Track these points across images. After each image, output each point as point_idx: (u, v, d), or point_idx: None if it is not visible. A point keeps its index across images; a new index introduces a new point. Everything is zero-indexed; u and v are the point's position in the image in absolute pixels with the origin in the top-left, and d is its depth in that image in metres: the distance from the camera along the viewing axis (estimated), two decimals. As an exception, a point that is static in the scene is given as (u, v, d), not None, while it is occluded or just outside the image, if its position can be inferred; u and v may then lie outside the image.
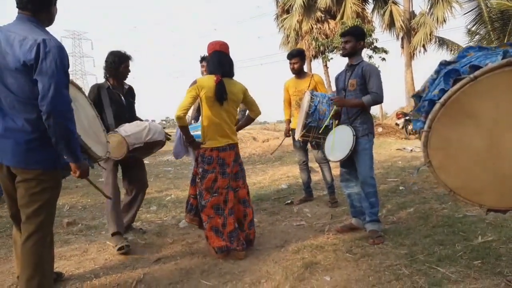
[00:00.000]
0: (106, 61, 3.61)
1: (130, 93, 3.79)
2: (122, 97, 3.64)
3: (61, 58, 2.01)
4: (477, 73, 1.66)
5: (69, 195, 6.08)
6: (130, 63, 3.70)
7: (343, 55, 3.60)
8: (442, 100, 1.74)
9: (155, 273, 2.93)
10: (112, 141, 3.18)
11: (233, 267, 2.99)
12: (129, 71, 3.71)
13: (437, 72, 2.04)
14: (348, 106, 3.52)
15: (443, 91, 1.81)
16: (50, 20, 2.22)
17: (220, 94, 3.12)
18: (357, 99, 3.46)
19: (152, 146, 3.58)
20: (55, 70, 1.96)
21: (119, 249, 3.24)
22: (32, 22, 2.07)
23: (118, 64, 3.57)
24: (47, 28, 2.17)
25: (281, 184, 6.44)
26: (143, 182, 3.82)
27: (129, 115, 3.66)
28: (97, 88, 3.54)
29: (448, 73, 1.88)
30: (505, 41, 12.13)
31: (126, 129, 3.38)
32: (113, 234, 3.36)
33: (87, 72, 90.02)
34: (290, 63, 4.78)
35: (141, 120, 3.85)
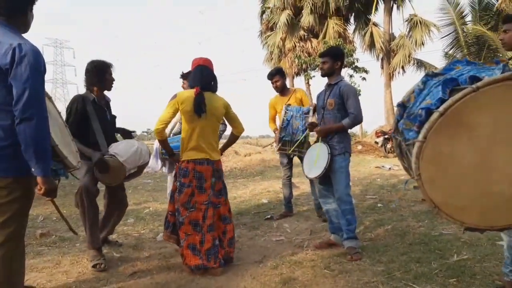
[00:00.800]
0: (87, 70, 3.43)
1: (109, 107, 3.67)
2: (107, 112, 3.53)
3: (37, 62, 1.96)
4: (479, 84, 1.59)
5: (44, 205, 5.90)
6: (112, 71, 3.55)
7: (322, 75, 3.69)
8: (441, 109, 1.64)
9: (130, 287, 2.86)
10: (108, 168, 3.11)
11: (210, 282, 2.94)
12: (113, 79, 3.56)
13: (424, 82, 2.01)
14: (331, 132, 3.53)
15: (441, 100, 1.72)
16: (26, 26, 2.16)
17: (198, 107, 3.08)
18: (337, 123, 3.50)
19: (142, 168, 3.53)
20: (30, 74, 1.91)
21: (94, 266, 3.14)
22: (7, 27, 2.02)
23: (102, 72, 3.43)
24: (25, 35, 2.13)
25: (261, 199, 6.43)
26: (123, 203, 3.72)
27: (112, 131, 3.56)
28: (81, 99, 3.34)
29: (446, 82, 1.80)
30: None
31: (121, 152, 3.22)
32: (90, 248, 3.25)
33: (68, 81, 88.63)
34: (272, 83, 4.87)
35: (127, 130, 3.75)
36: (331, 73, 3.60)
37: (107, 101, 3.61)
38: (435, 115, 1.66)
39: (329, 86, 3.64)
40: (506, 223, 1.81)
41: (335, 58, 3.58)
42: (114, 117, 3.71)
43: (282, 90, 4.90)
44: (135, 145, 3.42)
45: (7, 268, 2.04)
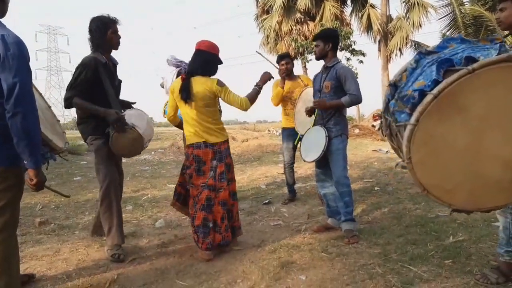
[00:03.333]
0: (90, 30, 3.11)
1: (116, 71, 3.37)
2: (115, 76, 3.27)
3: (22, 53, 1.94)
4: (475, 65, 1.55)
5: (42, 194, 5.89)
6: (118, 28, 3.18)
7: (316, 58, 3.69)
8: (435, 91, 1.60)
9: (129, 274, 2.89)
10: (126, 138, 2.98)
11: (209, 267, 2.97)
12: (119, 37, 3.19)
13: (417, 61, 1.97)
14: (328, 107, 3.52)
15: (435, 82, 1.68)
16: (3, 11, 2.09)
17: (182, 92, 3.13)
18: (336, 100, 3.48)
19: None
20: (18, 67, 1.89)
21: (112, 255, 3.10)
22: None
23: (103, 30, 3.07)
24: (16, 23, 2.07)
25: (259, 184, 6.46)
26: (120, 172, 3.49)
27: (118, 97, 3.35)
28: (94, 61, 3.03)
29: (440, 62, 1.75)
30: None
31: (138, 123, 3.05)
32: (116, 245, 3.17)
33: (62, 68, 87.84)
34: (282, 65, 4.78)
35: (127, 102, 3.51)
36: (323, 55, 3.58)
37: (114, 64, 3.34)
38: (428, 97, 1.63)
39: (325, 68, 3.63)
40: (494, 205, 1.80)
41: (326, 40, 3.55)
42: (120, 81, 3.45)
43: (289, 75, 4.87)
44: (144, 117, 3.31)
45: (4, 257, 2.05)
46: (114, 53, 3.33)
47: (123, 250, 3.22)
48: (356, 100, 3.45)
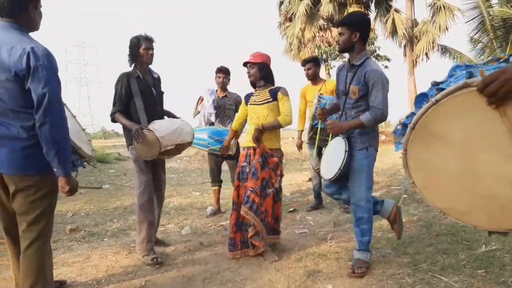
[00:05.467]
0: (129, 47, 3.45)
1: (159, 83, 3.63)
2: (153, 88, 3.49)
3: (51, 65, 2.00)
4: (437, 96, 1.65)
5: (72, 201, 6.08)
6: (154, 45, 3.47)
7: (338, 50, 3.06)
8: (411, 124, 1.76)
9: (156, 280, 2.93)
10: (144, 140, 3.13)
11: (235, 275, 2.98)
12: (151, 54, 3.44)
13: (425, 95, 2.07)
14: (345, 130, 2.87)
15: (413, 115, 1.87)
16: (32, 25, 2.15)
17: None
18: (354, 120, 2.85)
19: (181, 148, 3.48)
20: (47, 79, 1.95)
21: (152, 259, 3.22)
22: (16, 29, 2.04)
23: (137, 47, 3.38)
24: (37, 37, 2.11)
25: (284, 192, 6.43)
26: (162, 181, 3.77)
27: (159, 108, 3.55)
28: (126, 77, 3.36)
29: (419, 97, 1.98)
30: (507, 49, 12.11)
31: (160, 128, 3.23)
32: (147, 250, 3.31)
33: (90, 80, 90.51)
34: (304, 69, 4.86)
35: (173, 114, 3.71)
36: (349, 47, 2.87)
37: (154, 77, 3.56)
38: (408, 129, 1.79)
39: (351, 67, 2.92)
40: None
41: (353, 28, 2.83)
42: (162, 93, 3.66)
43: (314, 79, 4.88)
44: (177, 123, 3.42)
45: (40, 263, 2.12)
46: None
47: (159, 253, 3.33)
48: (379, 116, 2.73)
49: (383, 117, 2.75)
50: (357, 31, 2.83)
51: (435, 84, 2.06)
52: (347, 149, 2.83)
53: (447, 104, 1.63)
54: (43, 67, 1.95)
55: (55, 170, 2.05)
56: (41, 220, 2.12)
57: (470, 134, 1.63)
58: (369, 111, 2.77)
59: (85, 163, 2.67)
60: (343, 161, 2.80)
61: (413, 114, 1.90)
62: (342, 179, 2.95)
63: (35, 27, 2.18)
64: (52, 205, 2.20)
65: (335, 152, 2.94)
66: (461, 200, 1.73)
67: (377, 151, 2.96)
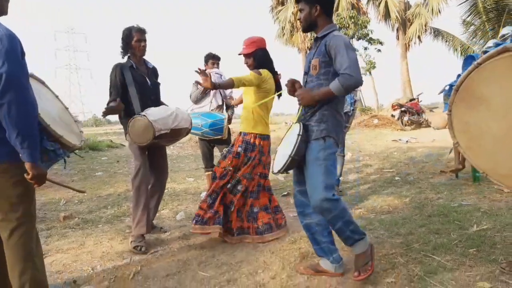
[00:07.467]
0: (121, 38, 3.46)
1: (154, 74, 3.64)
2: (147, 78, 3.49)
3: (12, 47, 1.91)
4: (479, 60, 1.75)
5: (65, 189, 6.05)
6: (146, 37, 3.48)
7: (303, 30, 2.68)
8: (455, 86, 1.86)
9: (152, 265, 2.94)
10: (137, 125, 3.13)
11: (230, 258, 3.00)
12: (143, 45, 3.46)
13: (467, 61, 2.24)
14: (315, 100, 2.42)
15: (459, 77, 2.02)
16: (1, 11, 2.05)
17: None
18: (323, 88, 2.39)
19: (177, 133, 3.45)
20: (5, 59, 1.87)
21: (135, 247, 3.22)
22: None
23: (129, 38, 3.40)
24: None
25: (277, 176, 6.45)
26: (162, 169, 3.68)
27: (154, 97, 3.54)
28: (119, 68, 3.37)
29: (466, 60, 2.12)
30: (499, 31, 12.11)
31: (153, 113, 3.24)
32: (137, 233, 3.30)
33: (81, 67, 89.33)
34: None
35: (166, 105, 3.68)
36: (312, 24, 2.51)
37: (148, 67, 3.59)
38: (453, 91, 1.89)
39: (315, 41, 2.56)
40: None
41: (312, 1, 2.46)
42: (157, 84, 3.67)
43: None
44: (171, 109, 3.42)
45: (27, 250, 2.05)
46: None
47: (145, 242, 3.30)
48: (351, 82, 2.25)
49: (354, 81, 2.26)
50: (316, 4, 2.46)
51: (484, 53, 2.23)
52: (300, 133, 2.40)
53: (488, 67, 1.73)
54: (1, 48, 1.86)
55: (20, 155, 1.95)
56: (18, 209, 2.03)
57: (509, 96, 1.72)
58: (337, 77, 2.31)
59: (71, 153, 2.61)
60: (294, 146, 2.38)
61: (459, 76, 2.06)
62: (304, 182, 2.50)
63: (2, 11, 2.08)
64: (28, 193, 2.09)
65: (289, 140, 2.54)
66: (503, 163, 1.81)
67: (338, 145, 2.52)
